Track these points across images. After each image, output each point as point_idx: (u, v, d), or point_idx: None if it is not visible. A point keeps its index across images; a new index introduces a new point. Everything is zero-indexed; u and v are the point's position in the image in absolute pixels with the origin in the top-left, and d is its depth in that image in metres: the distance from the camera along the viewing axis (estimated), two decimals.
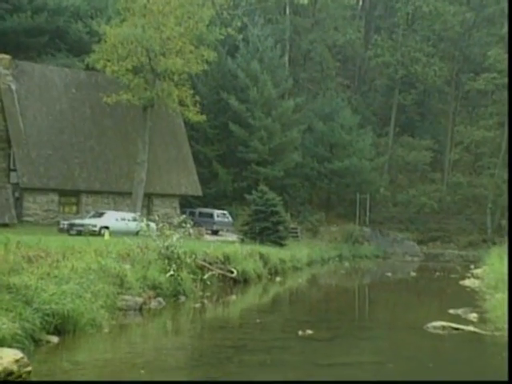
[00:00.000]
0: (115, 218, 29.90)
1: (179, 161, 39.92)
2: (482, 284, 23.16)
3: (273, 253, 28.21)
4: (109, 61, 32.83)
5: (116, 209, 33.75)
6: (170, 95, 33.78)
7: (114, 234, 25.86)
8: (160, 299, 15.41)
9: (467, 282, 25.11)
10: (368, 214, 53.46)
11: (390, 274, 33.13)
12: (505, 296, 15.41)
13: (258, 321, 13.90)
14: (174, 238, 18.46)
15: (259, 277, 23.82)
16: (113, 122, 37.52)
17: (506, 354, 11.26)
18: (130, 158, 35.77)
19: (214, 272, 20.51)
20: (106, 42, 32.86)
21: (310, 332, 11.67)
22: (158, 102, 34.17)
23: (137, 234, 23.93)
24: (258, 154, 45.26)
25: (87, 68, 36.94)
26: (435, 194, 58.05)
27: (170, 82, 33.75)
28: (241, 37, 45.03)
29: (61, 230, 29.33)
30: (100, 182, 35.31)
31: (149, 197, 37.01)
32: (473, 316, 14.55)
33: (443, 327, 12.69)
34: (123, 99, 32.95)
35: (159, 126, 38.47)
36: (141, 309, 14.15)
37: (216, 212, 40.10)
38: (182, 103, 35.29)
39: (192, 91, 36.27)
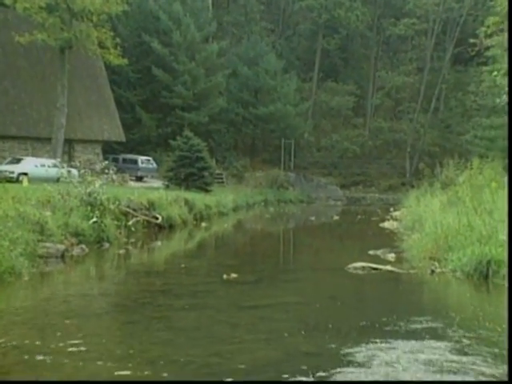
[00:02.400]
0: (34, 165, 28.87)
1: (101, 106, 38.73)
2: (400, 226, 24.08)
3: (198, 199, 28.19)
4: None
5: (35, 155, 32.55)
6: (89, 37, 32.30)
7: (33, 180, 25.03)
8: (83, 246, 15.16)
9: (387, 224, 26.02)
10: (292, 159, 54.08)
11: (313, 218, 33.88)
12: (420, 236, 16.10)
13: (183, 266, 13.94)
14: (97, 185, 18.13)
15: (184, 223, 23.82)
16: (28, 64, 35.67)
17: (419, 290, 11.86)
18: (48, 103, 34.31)
19: (138, 218, 20.34)
20: None
21: (234, 275, 11.81)
22: (77, 43, 32.61)
23: (58, 180, 23.30)
24: (182, 99, 44.56)
25: None
26: (357, 139, 59.29)
27: (88, 23, 32.19)
28: None
29: None
30: (16, 127, 33.77)
31: (70, 143, 35.86)
32: (391, 256, 15.14)
33: (363, 267, 13.14)
34: (38, 39, 31.18)
35: (79, 69, 36.96)
36: (63, 256, 13.89)
37: (140, 158, 39.51)
38: (101, 45, 33.87)
39: (112, 33, 34.83)
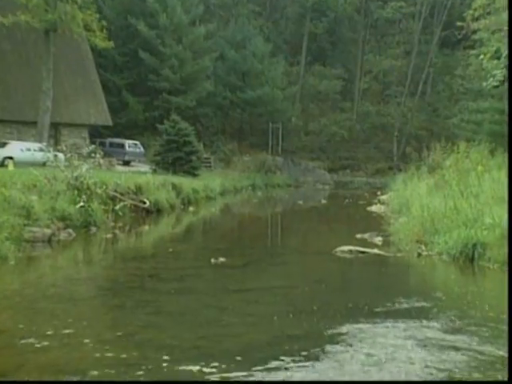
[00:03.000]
0: (20, 148, 28.63)
1: (87, 89, 38.39)
2: (388, 209, 24.20)
3: (186, 183, 28.14)
4: None
5: (20, 139, 32.25)
6: (74, 19, 31.87)
7: (18, 164, 24.83)
8: (70, 230, 15.10)
9: (374, 208, 26.14)
10: (280, 143, 54.03)
11: (301, 202, 33.94)
12: (407, 220, 16.19)
13: (170, 250, 13.94)
14: (84, 169, 18.05)
15: (172, 207, 23.78)
16: (12, 46, 35.22)
17: (406, 273, 11.95)
18: (33, 86, 33.93)
19: (125, 202, 20.26)
20: None
21: (222, 259, 11.82)
22: (62, 26, 32.18)
23: (44, 164, 23.14)
24: (169, 82, 44.27)
25: None
26: (345, 123, 59.34)
27: (73, 5, 31.76)
28: None
29: None
30: (1, 110, 33.42)
31: (56, 127, 35.58)
32: (378, 239, 15.22)
33: (350, 251, 13.21)
34: (21, 20, 30.74)
35: (64, 52, 36.53)
36: (50, 240, 13.83)
37: (127, 142, 39.31)
38: (87, 28, 33.48)
39: (98, 15, 34.46)
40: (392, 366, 5.86)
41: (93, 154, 19.95)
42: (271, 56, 53.55)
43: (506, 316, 7.11)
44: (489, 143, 23.87)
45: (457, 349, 6.51)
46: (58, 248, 13.72)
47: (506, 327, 7.18)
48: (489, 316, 7.94)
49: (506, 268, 10.73)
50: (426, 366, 5.93)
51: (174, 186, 25.70)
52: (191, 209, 25.45)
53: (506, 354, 6.23)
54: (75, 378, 5.39)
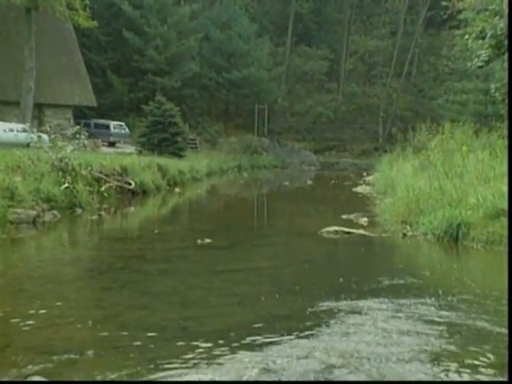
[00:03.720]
0: (3, 129, 28.30)
1: (71, 69, 37.94)
2: (373, 190, 24.31)
3: (171, 164, 28.05)
4: None
5: (3, 119, 31.83)
6: None
7: (1, 145, 24.53)
8: (55, 212, 15.01)
9: (360, 189, 26.25)
10: (266, 124, 53.94)
11: (287, 183, 34.00)
12: (393, 200, 16.28)
13: (156, 231, 13.92)
14: (68, 150, 17.92)
15: (158, 188, 23.71)
16: None
17: (391, 253, 12.04)
18: (15, 65, 33.46)
19: (111, 184, 20.17)
20: None
21: (208, 241, 11.83)
22: (43, 3, 31.68)
23: (28, 145, 22.92)
24: (154, 63, 43.91)
25: None
26: (331, 104, 59.30)
27: None
28: None
29: None
30: None
31: (39, 107, 35.20)
32: (363, 220, 15.29)
33: (336, 232, 13.26)
34: None
35: (47, 31, 36.02)
36: (34, 222, 13.75)
37: (112, 123, 39.02)
38: (70, 7, 32.99)
39: None
40: (382, 340, 5.91)
41: (77, 135, 19.78)
42: (257, 36, 53.23)
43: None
44: (473, 124, 23.99)
45: (448, 323, 6.62)
46: (42, 229, 13.65)
47: (492, 303, 7.28)
48: (476, 293, 8.06)
49: (488, 247, 10.87)
50: (419, 339, 6.00)
51: (160, 168, 25.61)
52: (177, 190, 25.39)
53: (496, 329, 6.40)
54: (62, 358, 5.39)
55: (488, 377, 5.14)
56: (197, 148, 43.41)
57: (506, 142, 11.89)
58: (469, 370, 5.24)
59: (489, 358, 5.54)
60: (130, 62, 44.63)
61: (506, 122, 12.40)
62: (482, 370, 5.28)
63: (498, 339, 6.12)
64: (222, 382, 4.13)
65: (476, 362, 5.45)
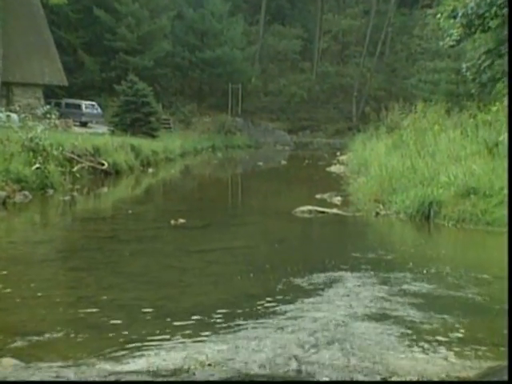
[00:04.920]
0: None
1: (40, 47, 37.14)
2: (347, 170, 24.44)
3: (145, 144, 27.84)
4: None
5: None
6: None
7: None
8: (26, 193, 14.81)
9: (333, 169, 26.37)
10: (240, 104, 53.74)
11: (261, 164, 34.00)
12: (366, 180, 16.40)
13: (130, 212, 13.84)
14: (39, 130, 17.65)
15: (131, 169, 23.54)
16: None
17: (364, 231, 12.16)
18: None
19: (83, 164, 19.97)
20: None
21: (182, 221, 11.79)
22: None
23: None
24: (126, 42, 43.32)
25: None
26: (305, 84, 59.25)
27: None
28: None
29: None
30: None
31: (8, 86, 34.51)
32: (337, 199, 15.38)
33: (310, 211, 13.32)
34: None
35: (13, 6, 34.99)
36: (5, 203, 13.55)
37: (84, 103, 38.50)
38: None
39: None
40: (355, 312, 5.98)
41: (48, 115, 19.51)
42: (230, 15, 52.78)
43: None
44: (445, 103, 24.20)
45: (426, 295, 6.83)
46: (13, 210, 13.47)
47: (462, 276, 7.42)
48: (446, 267, 8.24)
49: (459, 225, 11.05)
50: (394, 308, 6.12)
51: (133, 148, 25.40)
52: (151, 170, 25.24)
53: (463, 299, 6.65)
54: (34, 339, 5.35)
55: (460, 345, 5.23)
56: (170, 128, 43.11)
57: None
58: (441, 337, 5.34)
59: (457, 323, 5.66)
60: (102, 41, 43.94)
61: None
62: (451, 334, 5.38)
63: (463, 308, 6.37)
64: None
65: (446, 327, 5.58)
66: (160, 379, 4.42)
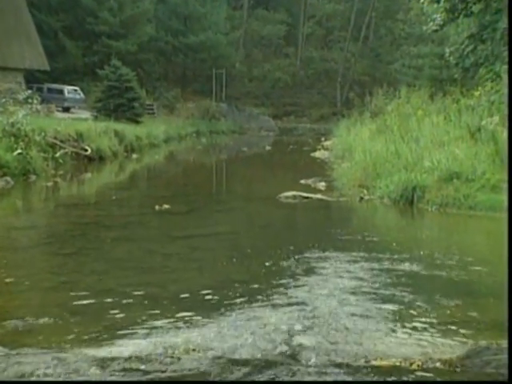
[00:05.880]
0: None
1: (20, 31, 36.47)
2: (331, 155, 24.47)
3: (128, 130, 27.63)
4: None
5: None
6: None
7: None
8: (8, 178, 14.68)
9: (318, 154, 26.39)
10: (224, 89, 53.45)
11: (246, 149, 33.94)
12: (350, 165, 16.44)
13: (114, 197, 13.77)
14: (20, 115, 17.45)
15: (115, 154, 23.39)
16: None
17: (348, 216, 12.21)
18: None
19: (66, 150, 19.79)
20: None
21: (166, 206, 11.75)
22: None
23: None
24: (108, 26, 42.83)
25: None
26: (289, 69, 59.12)
27: None
28: None
29: None
30: None
31: None
32: (321, 185, 15.42)
33: (294, 196, 13.34)
34: None
35: None
36: None
37: (66, 88, 38.06)
38: None
39: None
40: (340, 297, 6.01)
41: (30, 100, 19.28)
42: None
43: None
44: (429, 88, 24.27)
45: (410, 276, 6.96)
46: None
47: (444, 257, 7.49)
48: (434, 249, 8.40)
49: (442, 209, 11.13)
50: (383, 287, 6.18)
51: (117, 133, 25.20)
52: (135, 156, 25.10)
53: (444, 279, 6.84)
54: (17, 325, 5.31)
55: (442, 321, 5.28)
56: (154, 114, 42.79)
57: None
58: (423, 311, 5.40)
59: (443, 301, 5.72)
60: (84, 25, 43.39)
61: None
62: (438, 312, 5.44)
63: (448, 289, 6.52)
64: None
65: (431, 309, 5.64)
66: (144, 366, 4.40)
